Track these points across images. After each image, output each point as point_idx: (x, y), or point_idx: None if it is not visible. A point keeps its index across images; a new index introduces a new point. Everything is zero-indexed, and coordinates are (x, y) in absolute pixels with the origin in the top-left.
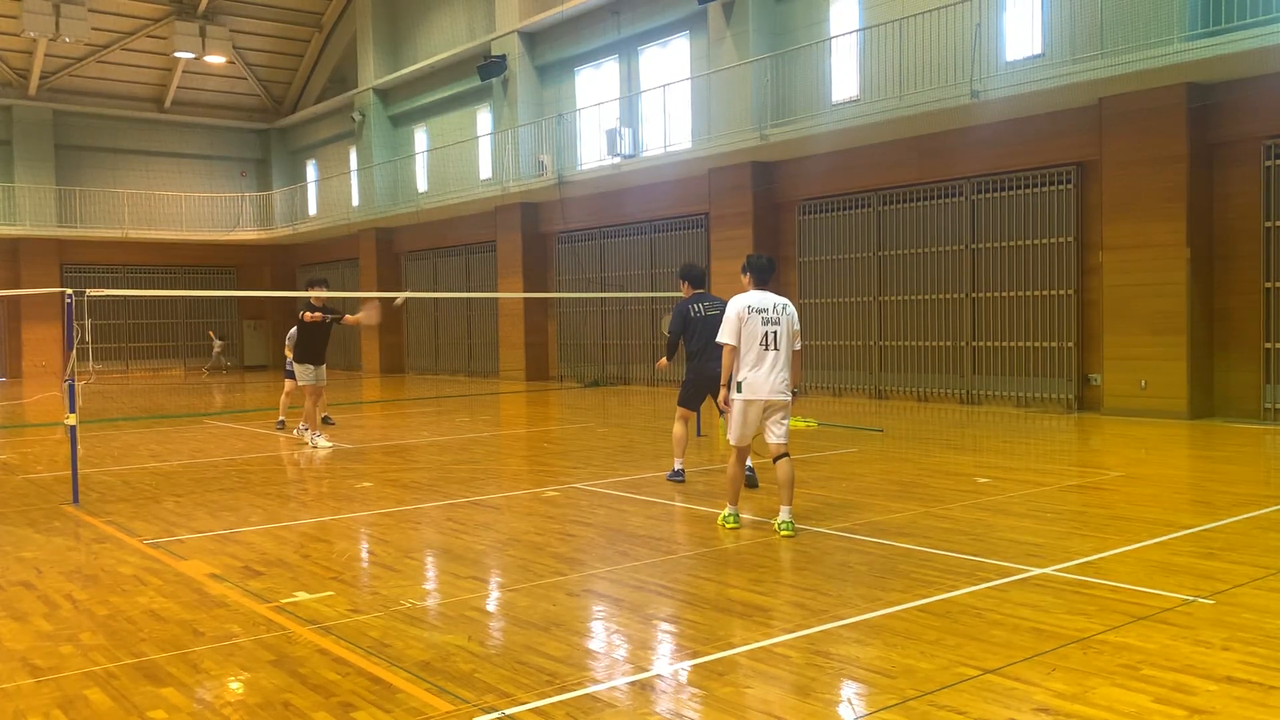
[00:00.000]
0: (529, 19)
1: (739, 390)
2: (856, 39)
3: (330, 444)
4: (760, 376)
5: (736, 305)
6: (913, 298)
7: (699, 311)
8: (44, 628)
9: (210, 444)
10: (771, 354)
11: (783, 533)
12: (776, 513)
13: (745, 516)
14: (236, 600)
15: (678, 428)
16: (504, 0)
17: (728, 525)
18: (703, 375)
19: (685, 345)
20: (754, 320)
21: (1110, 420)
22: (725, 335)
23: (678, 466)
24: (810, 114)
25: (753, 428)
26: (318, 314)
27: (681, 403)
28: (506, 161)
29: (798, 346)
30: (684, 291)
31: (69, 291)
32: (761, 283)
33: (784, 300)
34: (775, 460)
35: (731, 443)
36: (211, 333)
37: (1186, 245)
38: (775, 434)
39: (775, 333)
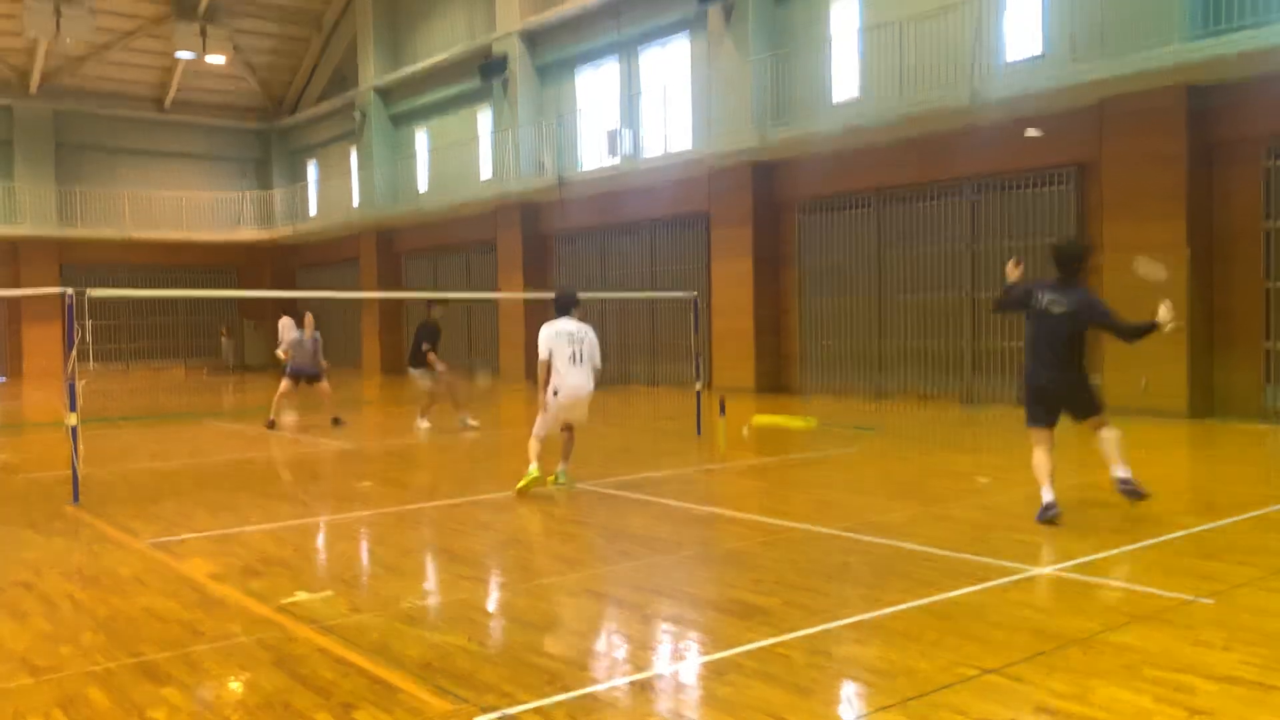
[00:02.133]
0: (529, 19)
1: (554, 394)
2: (857, 39)
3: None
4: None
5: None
6: (913, 298)
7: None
8: (44, 628)
9: (210, 444)
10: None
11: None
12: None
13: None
14: (236, 600)
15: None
16: (504, 0)
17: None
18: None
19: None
20: (561, 340)
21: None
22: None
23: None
24: (810, 114)
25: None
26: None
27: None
28: (507, 161)
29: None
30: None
31: (69, 291)
32: (564, 311)
33: (586, 326)
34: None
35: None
36: (225, 330)
37: (1186, 245)
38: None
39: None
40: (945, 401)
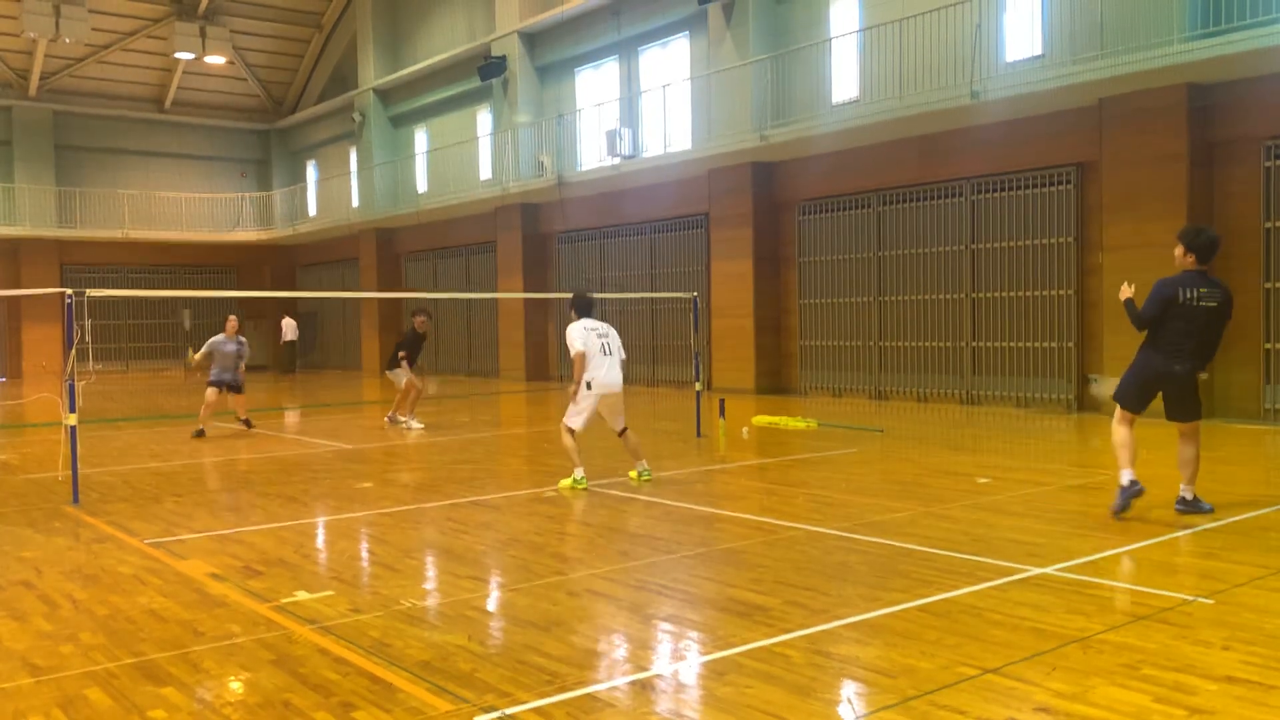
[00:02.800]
0: (529, 19)
1: (589, 387)
2: (856, 39)
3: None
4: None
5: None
6: (913, 298)
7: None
8: (44, 627)
9: (210, 444)
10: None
11: (644, 478)
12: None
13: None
14: (236, 600)
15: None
16: (504, 1)
17: (579, 486)
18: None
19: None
20: (592, 335)
21: (1110, 420)
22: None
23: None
24: (810, 114)
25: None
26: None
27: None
28: (506, 162)
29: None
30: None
31: (69, 291)
32: (586, 312)
33: (607, 324)
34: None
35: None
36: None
37: None
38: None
39: (607, 343)
40: (945, 401)
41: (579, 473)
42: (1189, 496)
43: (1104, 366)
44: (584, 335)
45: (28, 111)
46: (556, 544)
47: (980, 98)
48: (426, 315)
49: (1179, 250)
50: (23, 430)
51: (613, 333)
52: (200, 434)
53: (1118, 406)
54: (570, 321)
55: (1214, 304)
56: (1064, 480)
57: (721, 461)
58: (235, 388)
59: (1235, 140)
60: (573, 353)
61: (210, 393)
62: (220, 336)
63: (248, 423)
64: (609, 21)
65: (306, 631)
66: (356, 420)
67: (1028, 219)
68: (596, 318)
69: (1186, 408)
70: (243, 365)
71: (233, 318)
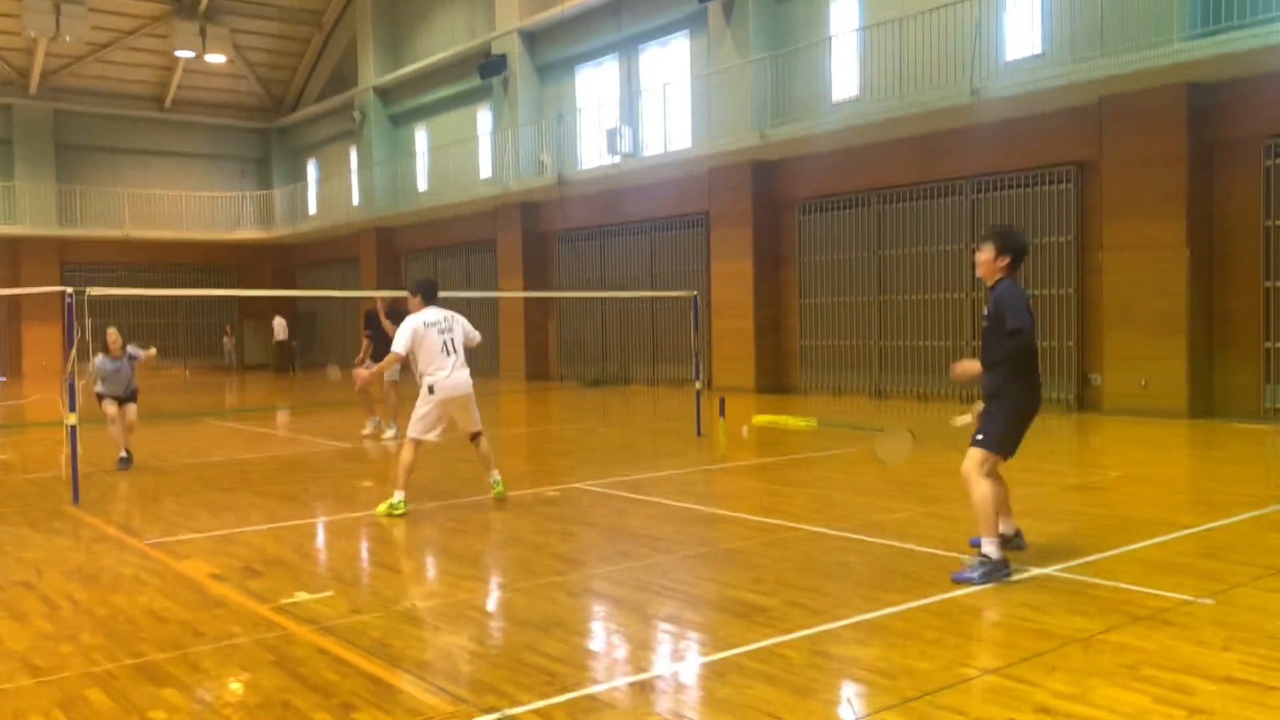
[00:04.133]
0: (529, 18)
1: (430, 392)
2: (856, 39)
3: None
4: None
5: (412, 322)
6: (913, 297)
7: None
8: (44, 628)
9: (210, 444)
10: (452, 357)
11: (496, 490)
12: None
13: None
14: (236, 600)
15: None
16: (504, 0)
17: (396, 512)
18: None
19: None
20: (430, 333)
21: (1110, 420)
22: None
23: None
24: (810, 114)
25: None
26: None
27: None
28: (506, 161)
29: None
30: (413, 306)
31: (69, 291)
32: (431, 298)
33: (451, 312)
34: (474, 439)
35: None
36: (229, 330)
37: (1186, 245)
38: (473, 421)
39: (450, 339)
40: (945, 401)
41: (398, 496)
42: (1011, 532)
43: (1104, 365)
44: (416, 334)
45: (28, 110)
46: (556, 544)
47: (980, 96)
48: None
49: (989, 254)
50: (23, 430)
51: (458, 323)
52: (124, 460)
53: (989, 455)
54: (412, 309)
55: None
56: (1064, 480)
57: (722, 461)
58: (125, 400)
59: (1235, 140)
60: (393, 350)
61: (108, 409)
62: (100, 358)
63: (125, 459)
64: (609, 20)
65: (306, 632)
66: (356, 420)
67: (1027, 218)
68: (439, 307)
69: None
70: (134, 383)
71: (113, 330)
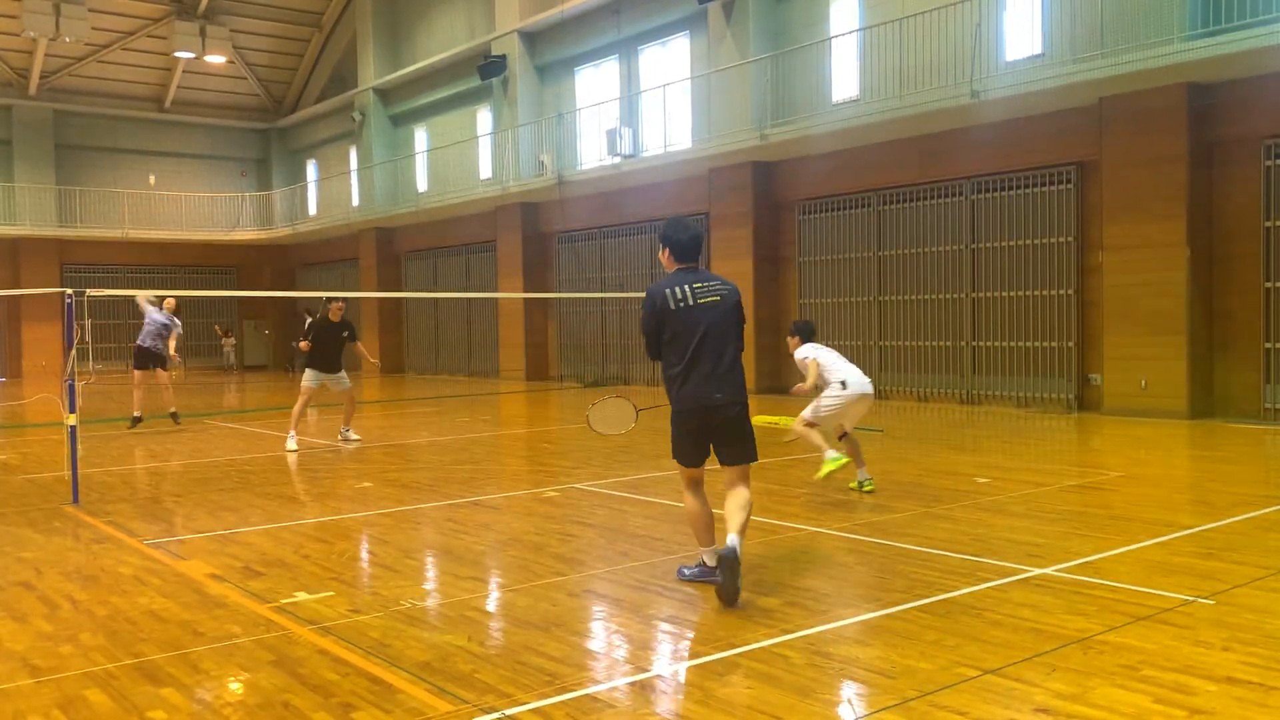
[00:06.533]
0: (529, 19)
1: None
2: (856, 39)
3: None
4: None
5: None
6: (913, 298)
7: (682, 298)
8: (44, 628)
9: (210, 444)
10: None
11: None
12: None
13: None
14: (236, 600)
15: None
16: (504, 0)
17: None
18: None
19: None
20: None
21: (1110, 420)
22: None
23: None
24: (810, 114)
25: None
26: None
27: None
28: (506, 161)
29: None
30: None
31: (69, 291)
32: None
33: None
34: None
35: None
36: (218, 328)
37: (1186, 245)
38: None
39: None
40: (945, 401)
41: (830, 454)
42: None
43: (1104, 366)
44: (815, 350)
45: (28, 110)
46: (556, 544)
47: (980, 97)
48: (343, 303)
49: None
50: (23, 430)
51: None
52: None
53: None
54: (792, 348)
55: (717, 298)
56: (1064, 480)
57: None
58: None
59: (1235, 140)
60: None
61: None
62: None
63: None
64: (609, 20)
65: (306, 632)
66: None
67: (1028, 218)
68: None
69: (746, 447)
70: (171, 342)
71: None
